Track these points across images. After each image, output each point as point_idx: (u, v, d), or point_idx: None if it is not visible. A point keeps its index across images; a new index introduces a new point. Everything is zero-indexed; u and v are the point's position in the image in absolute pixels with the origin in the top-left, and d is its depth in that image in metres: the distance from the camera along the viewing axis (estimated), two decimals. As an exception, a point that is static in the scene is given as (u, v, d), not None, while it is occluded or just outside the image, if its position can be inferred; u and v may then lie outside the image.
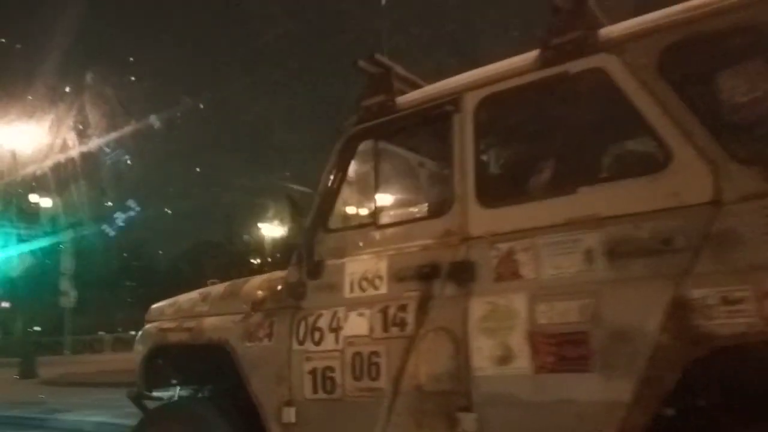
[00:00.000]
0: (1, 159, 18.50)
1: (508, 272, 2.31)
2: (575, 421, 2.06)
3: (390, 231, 2.69)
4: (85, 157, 19.49)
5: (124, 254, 43.13)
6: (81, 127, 19.16)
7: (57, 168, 19.30)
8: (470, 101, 2.52)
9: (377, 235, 2.71)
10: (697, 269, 1.93)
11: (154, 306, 3.70)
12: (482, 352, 2.28)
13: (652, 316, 1.96)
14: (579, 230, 2.17)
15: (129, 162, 22.85)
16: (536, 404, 2.15)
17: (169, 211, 35.68)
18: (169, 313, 3.50)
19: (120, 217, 28.65)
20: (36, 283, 20.25)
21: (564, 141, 2.60)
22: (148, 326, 3.57)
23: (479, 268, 2.36)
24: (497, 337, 2.25)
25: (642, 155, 2.28)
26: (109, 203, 26.06)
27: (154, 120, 19.68)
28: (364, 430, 2.54)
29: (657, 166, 2.11)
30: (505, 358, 2.23)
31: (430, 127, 2.75)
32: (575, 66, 2.29)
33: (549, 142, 2.72)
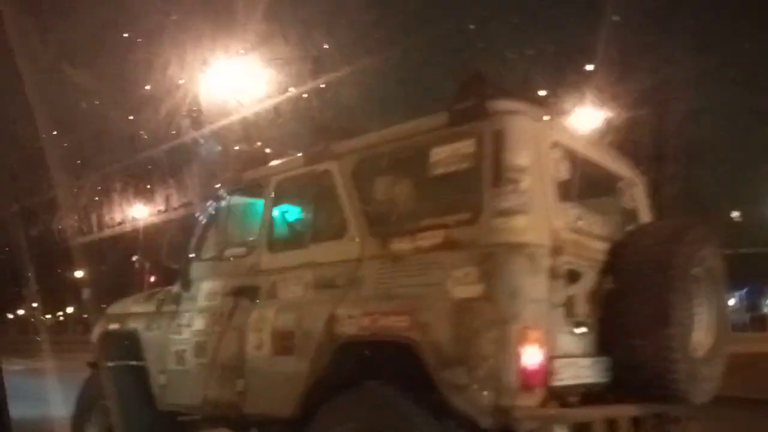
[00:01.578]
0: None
1: (272, 293, 3.75)
2: (287, 382, 3.45)
3: (222, 263, 4.19)
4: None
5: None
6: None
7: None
8: (272, 182, 3.99)
9: (217, 265, 4.21)
10: (345, 297, 3.31)
11: (113, 305, 5.32)
12: (251, 342, 3.72)
13: (321, 323, 3.34)
14: (304, 270, 3.59)
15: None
16: (271, 373, 3.57)
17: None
18: (116, 310, 5.12)
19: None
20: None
21: (312, 216, 3.94)
22: (103, 318, 5.21)
23: (261, 290, 3.81)
24: (260, 333, 3.69)
25: (336, 227, 3.64)
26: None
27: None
28: (198, 387, 4.02)
29: (341, 234, 3.50)
30: (260, 346, 3.66)
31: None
32: (319, 167, 3.72)
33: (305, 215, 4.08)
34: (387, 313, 3.09)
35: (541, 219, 2.91)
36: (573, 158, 3.31)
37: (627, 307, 3.08)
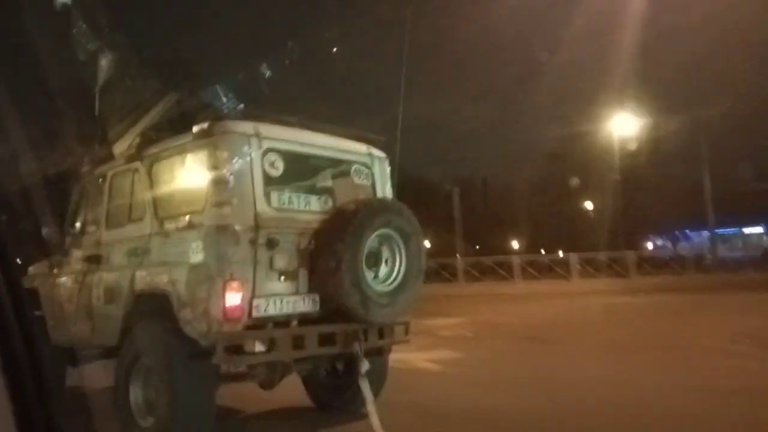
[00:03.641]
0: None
1: (107, 260, 5.22)
2: (112, 322, 4.94)
3: (83, 236, 5.66)
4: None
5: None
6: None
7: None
8: (108, 176, 5.40)
9: (80, 238, 5.69)
10: (141, 263, 4.77)
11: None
12: (94, 295, 5.21)
13: (128, 281, 4.81)
14: (124, 243, 5.05)
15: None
16: (104, 316, 5.06)
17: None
18: (30, 272, 6.64)
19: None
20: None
21: (129, 202, 5.30)
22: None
23: (102, 257, 5.28)
24: (99, 289, 5.18)
25: (139, 212, 5.05)
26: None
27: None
28: (69, 328, 5.56)
29: (142, 217, 4.92)
30: (99, 297, 5.16)
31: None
32: (133, 165, 5.11)
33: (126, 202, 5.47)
34: (158, 273, 4.56)
35: (244, 207, 4.31)
36: (292, 157, 4.68)
37: (318, 258, 4.51)
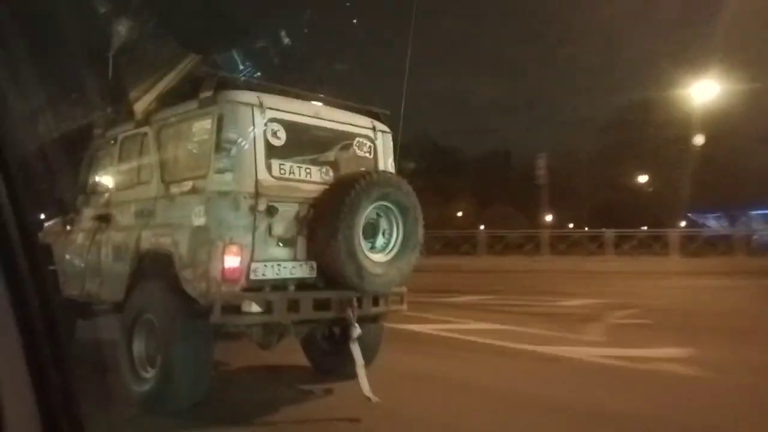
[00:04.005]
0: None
1: (116, 219, 5.44)
2: (119, 278, 5.16)
3: (94, 196, 5.88)
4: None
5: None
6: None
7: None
8: (119, 139, 5.59)
9: (92, 198, 5.91)
10: (146, 223, 4.98)
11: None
12: (103, 252, 5.45)
13: (134, 240, 5.02)
14: (131, 204, 5.25)
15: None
16: (112, 272, 5.30)
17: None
18: (45, 229, 6.90)
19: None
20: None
21: (137, 165, 5.50)
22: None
23: (111, 216, 5.51)
24: (107, 247, 5.41)
25: (147, 175, 5.24)
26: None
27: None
28: (79, 282, 5.81)
29: (149, 180, 5.11)
30: (107, 255, 5.39)
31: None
32: (142, 130, 5.29)
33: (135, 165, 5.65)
34: (162, 234, 4.77)
35: (245, 174, 4.47)
36: (295, 128, 4.82)
37: (316, 227, 4.68)
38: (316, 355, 5.88)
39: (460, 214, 44.25)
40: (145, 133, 5.27)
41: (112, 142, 5.75)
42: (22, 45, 5.34)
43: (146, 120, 5.26)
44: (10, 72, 4.34)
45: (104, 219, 5.58)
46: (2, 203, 1.12)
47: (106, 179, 5.87)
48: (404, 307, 5.39)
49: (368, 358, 5.07)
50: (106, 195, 5.71)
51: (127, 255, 5.09)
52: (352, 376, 4.75)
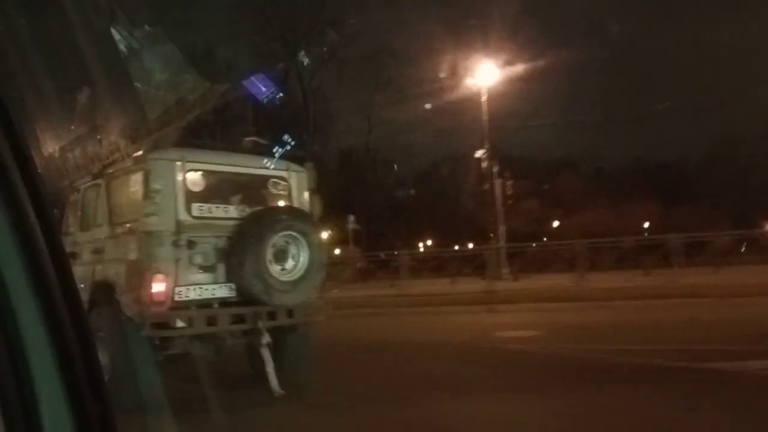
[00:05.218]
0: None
1: (81, 256, 6.59)
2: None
3: (69, 236, 7.05)
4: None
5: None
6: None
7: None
8: (82, 188, 6.76)
9: (66, 239, 7.09)
10: (100, 259, 6.11)
11: None
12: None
13: (90, 273, 6.15)
14: (90, 243, 6.39)
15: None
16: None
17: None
18: None
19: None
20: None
21: (93, 211, 6.69)
22: None
23: (77, 254, 6.66)
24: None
25: (100, 219, 6.38)
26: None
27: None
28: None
29: (102, 223, 6.25)
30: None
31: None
32: (97, 182, 6.44)
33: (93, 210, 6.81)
34: (109, 268, 5.90)
35: (167, 217, 5.58)
36: (214, 175, 5.93)
37: (230, 255, 5.75)
38: (257, 363, 6.91)
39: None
40: (99, 185, 6.43)
41: (77, 192, 6.93)
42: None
43: (100, 173, 6.42)
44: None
45: (72, 256, 6.73)
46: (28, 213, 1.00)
47: (74, 222, 7.04)
48: (322, 318, 6.42)
49: (299, 365, 6.18)
50: (74, 236, 6.87)
51: (86, 285, 6.22)
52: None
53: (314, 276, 6.12)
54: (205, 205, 5.87)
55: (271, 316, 5.97)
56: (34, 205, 1.01)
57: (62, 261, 1.04)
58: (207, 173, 5.93)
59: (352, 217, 29.64)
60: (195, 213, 5.79)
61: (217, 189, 6.03)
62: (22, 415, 0.97)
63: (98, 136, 6.53)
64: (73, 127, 6.55)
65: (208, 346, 6.06)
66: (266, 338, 5.81)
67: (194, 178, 5.84)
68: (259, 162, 6.40)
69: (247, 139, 6.83)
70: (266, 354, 5.78)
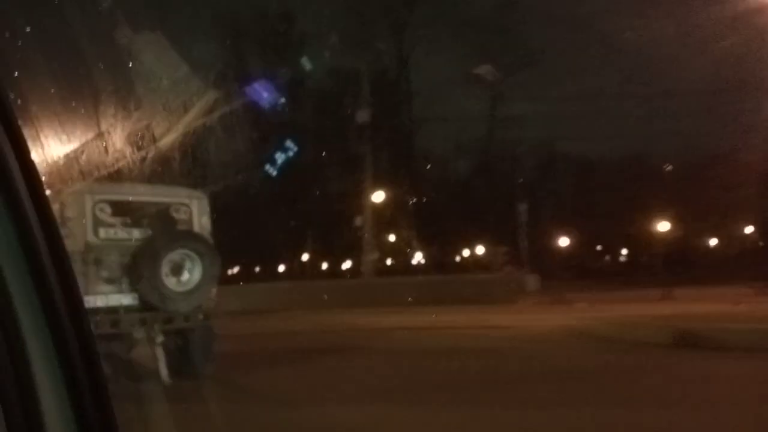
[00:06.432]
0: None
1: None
2: None
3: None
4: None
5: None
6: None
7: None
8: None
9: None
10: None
11: None
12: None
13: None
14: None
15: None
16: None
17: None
18: None
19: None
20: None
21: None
22: None
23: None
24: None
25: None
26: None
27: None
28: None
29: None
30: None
31: None
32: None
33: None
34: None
35: (77, 239, 6.86)
36: (120, 204, 7.22)
37: (132, 271, 7.03)
38: (167, 360, 8.17)
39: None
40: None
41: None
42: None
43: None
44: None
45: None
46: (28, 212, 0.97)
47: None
48: (210, 323, 7.67)
49: (200, 359, 7.42)
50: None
51: None
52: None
53: (207, 287, 7.38)
54: (111, 229, 7.16)
55: (168, 320, 7.22)
56: (35, 205, 1.01)
57: (63, 261, 1.04)
58: (114, 202, 7.22)
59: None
60: (102, 236, 7.07)
61: (123, 215, 7.31)
62: (22, 415, 0.96)
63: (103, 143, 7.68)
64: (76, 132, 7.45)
65: (119, 345, 7.33)
66: (160, 337, 7.07)
67: (101, 207, 7.14)
68: (163, 191, 7.69)
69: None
70: (159, 351, 7.05)
